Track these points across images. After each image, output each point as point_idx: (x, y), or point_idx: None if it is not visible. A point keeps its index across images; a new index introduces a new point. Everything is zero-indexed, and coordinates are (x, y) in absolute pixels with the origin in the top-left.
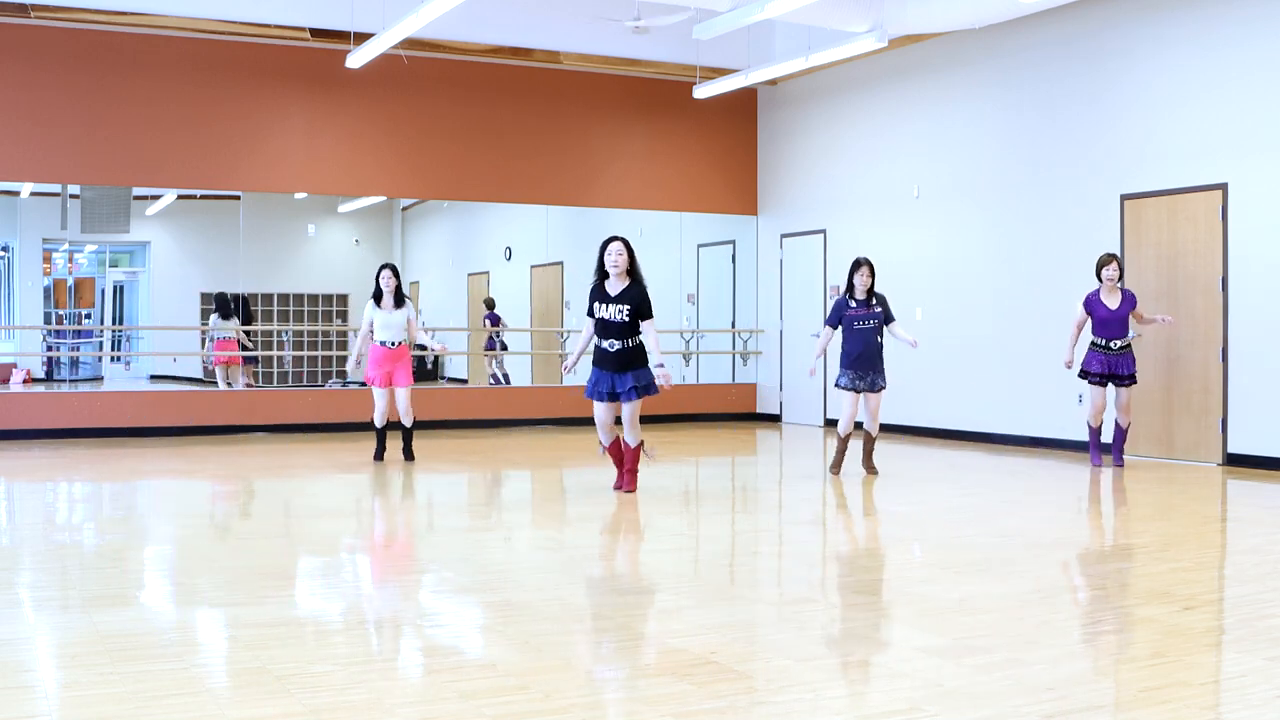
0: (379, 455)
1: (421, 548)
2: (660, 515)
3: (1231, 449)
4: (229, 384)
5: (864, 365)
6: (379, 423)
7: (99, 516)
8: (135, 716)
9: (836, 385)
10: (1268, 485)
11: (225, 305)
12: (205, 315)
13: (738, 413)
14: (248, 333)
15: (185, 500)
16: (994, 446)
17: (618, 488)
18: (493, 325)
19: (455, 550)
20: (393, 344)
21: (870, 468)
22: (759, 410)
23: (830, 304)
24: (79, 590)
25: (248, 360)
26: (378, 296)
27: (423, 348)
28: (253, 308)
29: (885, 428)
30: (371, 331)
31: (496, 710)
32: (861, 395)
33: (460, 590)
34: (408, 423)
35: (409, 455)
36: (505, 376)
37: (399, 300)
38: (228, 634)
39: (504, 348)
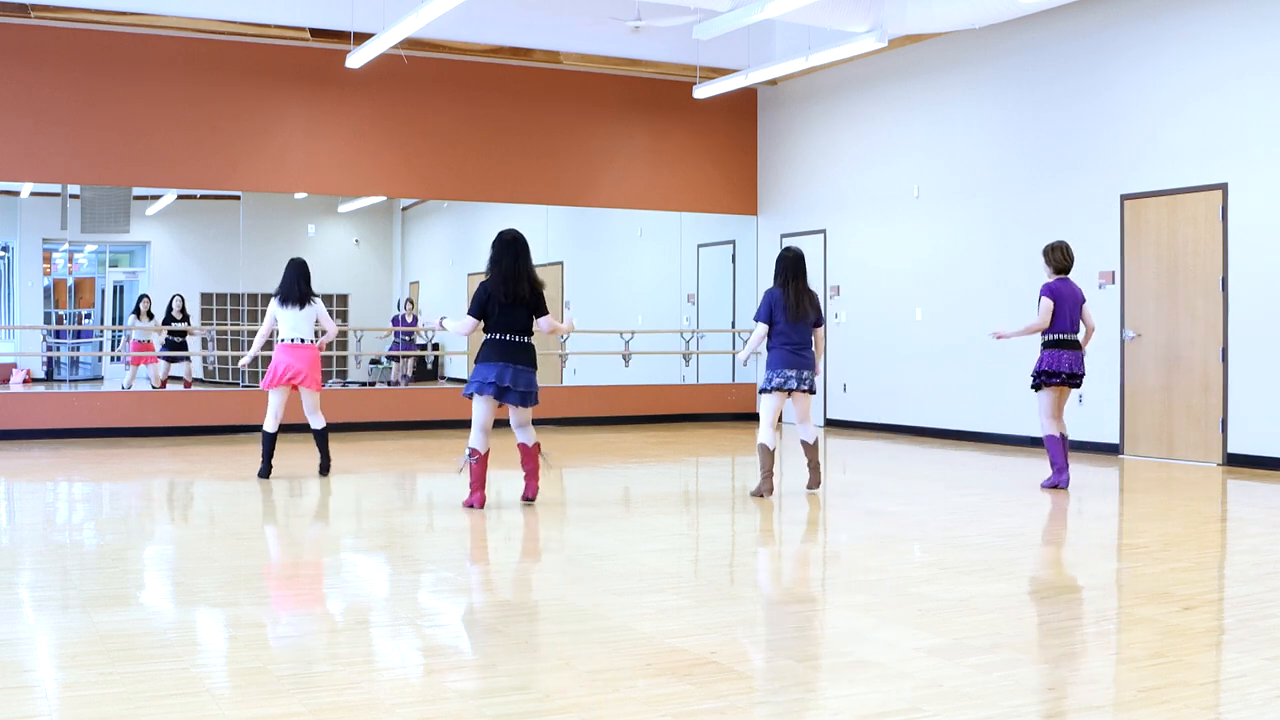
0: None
1: (421, 548)
2: (660, 515)
3: (1231, 449)
4: (126, 386)
5: None
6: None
7: (99, 516)
8: (135, 716)
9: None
10: (1268, 485)
11: (148, 309)
12: (205, 315)
13: (737, 413)
14: (173, 333)
15: (184, 501)
16: (993, 446)
17: (525, 496)
18: (411, 325)
19: (455, 550)
20: (303, 340)
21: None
22: (759, 410)
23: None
24: (79, 590)
25: (175, 360)
26: (294, 295)
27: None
28: (216, 307)
29: (886, 427)
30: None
31: (496, 710)
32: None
33: (460, 590)
34: (321, 424)
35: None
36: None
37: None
38: (228, 634)
39: (423, 348)
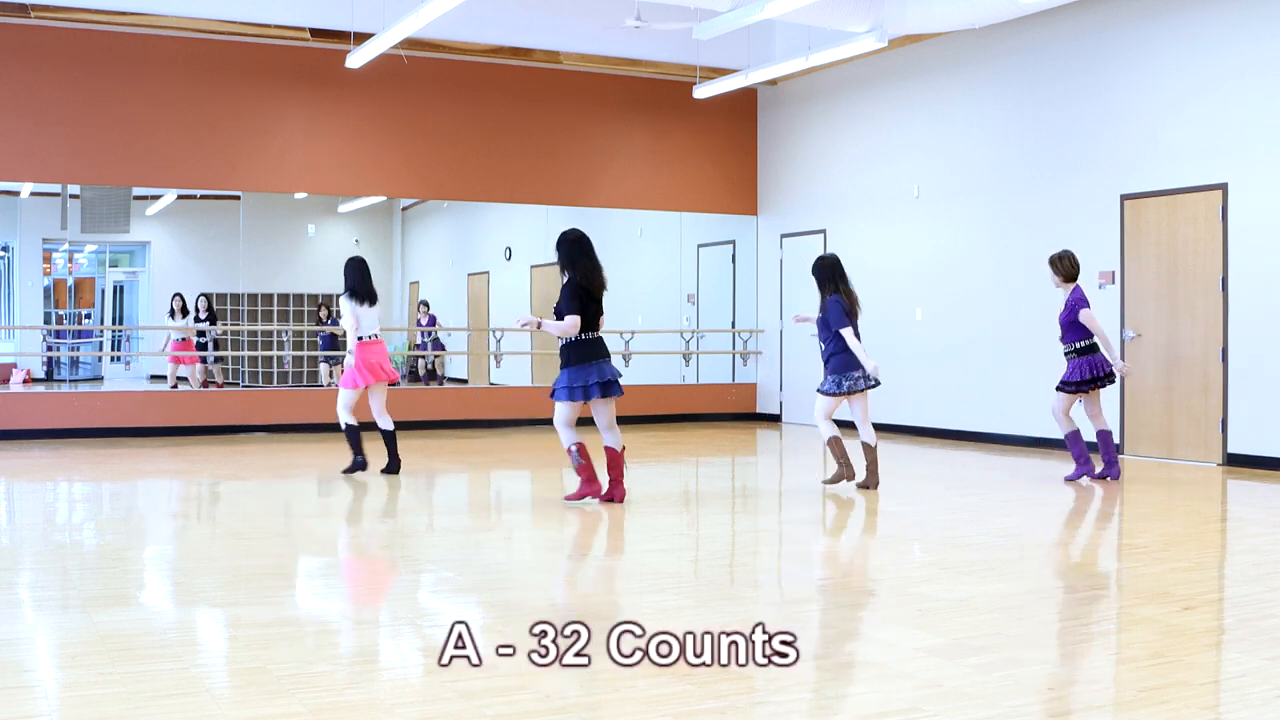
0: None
1: (421, 548)
2: (660, 515)
3: (1231, 449)
4: (178, 384)
5: None
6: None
7: (99, 516)
8: (135, 716)
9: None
10: (1268, 485)
11: (182, 306)
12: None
13: (738, 413)
14: (201, 332)
15: (185, 500)
16: (994, 446)
17: (609, 499)
18: (430, 325)
19: (455, 550)
20: (376, 336)
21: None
22: (759, 410)
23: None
24: (79, 590)
25: (206, 360)
26: (368, 292)
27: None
28: (217, 307)
29: (886, 427)
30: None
31: (496, 710)
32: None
33: (460, 590)
34: (390, 424)
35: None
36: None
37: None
38: (228, 634)
39: (441, 347)
